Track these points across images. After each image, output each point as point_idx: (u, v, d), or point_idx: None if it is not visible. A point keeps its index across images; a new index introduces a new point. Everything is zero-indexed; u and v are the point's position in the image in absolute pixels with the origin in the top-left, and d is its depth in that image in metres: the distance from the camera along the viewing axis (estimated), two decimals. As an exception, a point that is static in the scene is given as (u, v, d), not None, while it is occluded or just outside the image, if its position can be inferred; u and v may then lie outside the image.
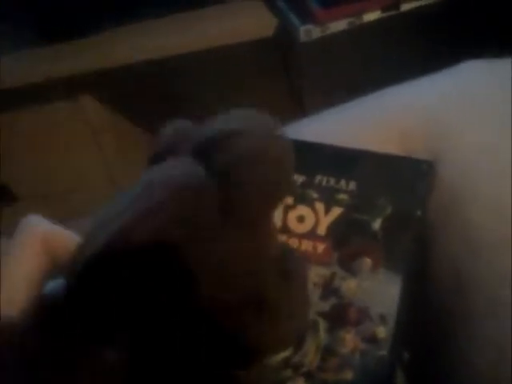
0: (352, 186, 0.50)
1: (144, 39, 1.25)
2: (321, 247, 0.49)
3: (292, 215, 0.50)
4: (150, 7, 1.25)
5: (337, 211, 0.50)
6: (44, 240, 0.36)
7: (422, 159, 0.50)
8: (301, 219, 0.50)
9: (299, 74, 1.21)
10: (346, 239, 0.49)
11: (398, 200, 0.49)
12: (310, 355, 0.48)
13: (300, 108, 1.17)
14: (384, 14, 1.12)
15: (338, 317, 0.48)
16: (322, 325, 0.48)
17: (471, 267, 0.48)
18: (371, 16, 1.12)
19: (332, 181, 0.50)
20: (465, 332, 0.48)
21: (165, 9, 1.25)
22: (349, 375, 0.46)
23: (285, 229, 0.50)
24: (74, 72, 1.20)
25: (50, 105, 1.27)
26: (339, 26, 1.11)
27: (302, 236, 0.50)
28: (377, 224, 0.49)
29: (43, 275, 0.35)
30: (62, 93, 1.26)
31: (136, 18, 1.25)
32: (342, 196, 0.50)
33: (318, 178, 0.51)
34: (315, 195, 0.50)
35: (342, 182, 0.50)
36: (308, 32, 1.11)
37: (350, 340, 0.47)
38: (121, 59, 1.23)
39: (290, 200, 0.50)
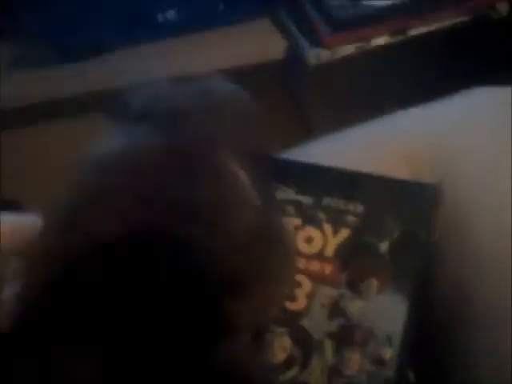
0: (360, 208, 0.51)
1: (153, 60, 1.26)
2: (328, 268, 0.50)
3: (300, 236, 0.51)
4: (157, 29, 1.26)
5: (345, 233, 0.50)
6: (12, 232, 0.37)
7: (429, 183, 0.51)
8: (309, 240, 0.51)
9: (308, 97, 1.22)
10: (354, 261, 0.50)
11: (405, 223, 0.49)
12: (315, 375, 0.48)
13: (308, 130, 1.18)
14: (392, 39, 1.13)
15: (345, 337, 0.48)
16: (329, 345, 0.48)
17: (477, 288, 0.49)
18: (379, 41, 1.13)
19: (340, 203, 0.51)
20: (466, 337, 0.49)
21: (173, 31, 1.26)
22: None
23: None
24: (86, 90, 1.21)
25: (63, 123, 1.29)
26: (348, 50, 1.12)
27: (310, 257, 0.50)
28: (384, 246, 0.49)
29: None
30: (74, 111, 1.27)
31: (144, 39, 1.27)
32: (350, 218, 0.50)
33: (326, 200, 0.51)
34: (323, 217, 0.51)
35: (350, 205, 0.51)
36: (317, 56, 1.12)
37: (356, 361, 0.48)
38: (130, 80, 1.24)
39: (298, 221, 0.51)
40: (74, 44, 1.23)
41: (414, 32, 1.14)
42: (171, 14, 1.27)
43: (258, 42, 1.26)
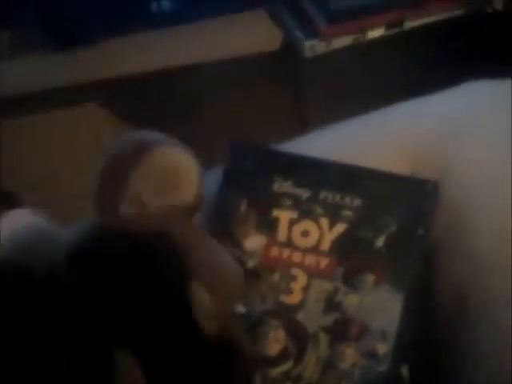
0: (357, 202, 0.50)
1: (148, 50, 1.25)
2: (324, 262, 0.50)
3: (297, 230, 0.51)
4: (154, 18, 1.25)
5: (341, 227, 0.50)
6: None
7: (428, 179, 0.50)
8: (305, 234, 0.51)
9: (304, 88, 1.22)
10: (350, 255, 0.49)
11: (402, 218, 0.49)
12: (309, 368, 0.48)
13: (304, 122, 1.18)
14: (388, 32, 1.13)
15: (340, 331, 0.48)
16: (323, 339, 0.48)
17: (475, 290, 0.48)
18: (375, 33, 1.13)
19: (337, 197, 0.51)
20: (463, 338, 0.48)
21: (170, 20, 1.26)
22: None
23: (289, 243, 0.51)
24: (80, 80, 1.20)
25: (55, 112, 1.28)
26: (344, 41, 1.12)
27: (305, 250, 0.50)
28: (381, 241, 0.49)
29: None
30: (67, 100, 1.26)
31: (140, 29, 1.26)
32: (347, 212, 0.50)
33: (323, 193, 0.51)
34: (320, 210, 0.51)
35: (347, 199, 0.51)
36: (313, 47, 1.12)
37: (350, 355, 0.48)
38: (127, 69, 1.23)
39: (294, 214, 0.51)
40: (72, 32, 1.22)
41: (409, 25, 1.14)
42: (166, 3, 1.27)
43: (254, 33, 1.25)
